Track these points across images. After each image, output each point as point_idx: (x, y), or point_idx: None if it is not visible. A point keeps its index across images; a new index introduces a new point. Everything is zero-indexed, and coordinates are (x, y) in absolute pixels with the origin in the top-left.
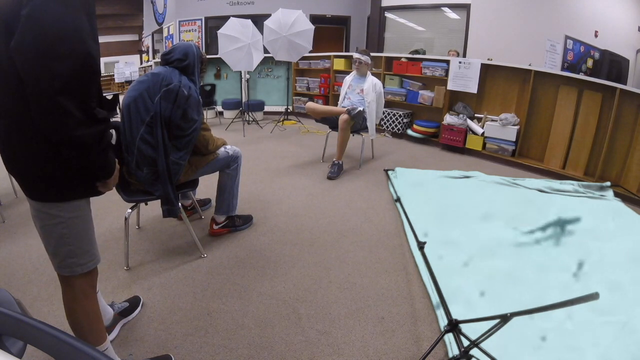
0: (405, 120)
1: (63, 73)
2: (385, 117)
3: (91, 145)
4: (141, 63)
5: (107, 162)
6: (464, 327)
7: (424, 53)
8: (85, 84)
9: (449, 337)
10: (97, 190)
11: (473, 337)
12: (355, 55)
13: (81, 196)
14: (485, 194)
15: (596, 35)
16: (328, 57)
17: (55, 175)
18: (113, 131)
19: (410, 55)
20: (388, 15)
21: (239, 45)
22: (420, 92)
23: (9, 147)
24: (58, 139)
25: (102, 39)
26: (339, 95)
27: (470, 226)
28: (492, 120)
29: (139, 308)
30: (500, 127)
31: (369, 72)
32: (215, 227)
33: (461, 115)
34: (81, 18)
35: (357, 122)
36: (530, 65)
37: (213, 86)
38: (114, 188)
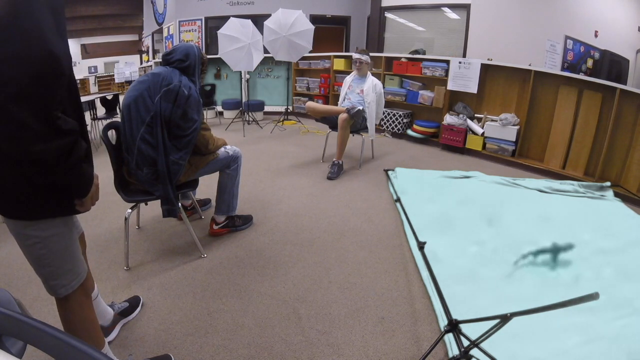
0: (405, 120)
1: (16, 77)
2: (385, 117)
3: (54, 161)
4: (141, 63)
5: (78, 180)
6: (463, 327)
7: (423, 53)
8: (47, 89)
9: (449, 337)
10: (75, 208)
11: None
12: (355, 55)
13: (55, 215)
14: (485, 194)
15: (596, 35)
16: (328, 57)
17: (22, 192)
18: (111, 135)
19: (410, 55)
20: (388, 15)
21: (239, 45)
22: (420, 92)
23: None
24: (14, 154)
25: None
26: (339, 95)
27: (470, 226)
28: (492, 120)
29: (139, 308)
30: (500, 127)
31: (369, 73)
32: (215, 227)
33: (461, 115)
34: (42, 13)
35: (357, 122)
36: (530, 65)
37: (213, 86)
38: (114, 188)
